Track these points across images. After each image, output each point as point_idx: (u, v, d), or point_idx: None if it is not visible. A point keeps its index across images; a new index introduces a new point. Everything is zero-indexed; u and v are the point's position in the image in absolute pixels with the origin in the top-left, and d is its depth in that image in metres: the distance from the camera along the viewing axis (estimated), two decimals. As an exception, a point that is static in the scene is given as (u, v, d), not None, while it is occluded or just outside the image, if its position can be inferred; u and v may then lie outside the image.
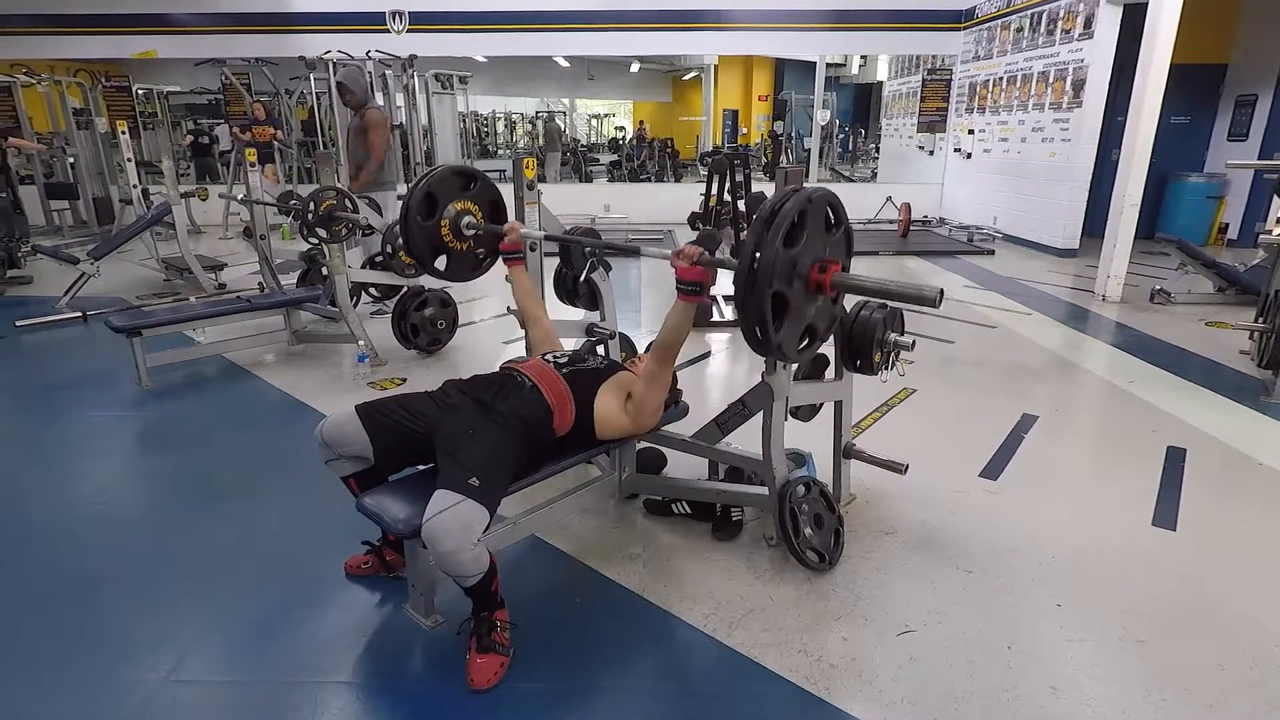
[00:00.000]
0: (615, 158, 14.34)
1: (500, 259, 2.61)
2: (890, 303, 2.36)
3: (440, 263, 2.51)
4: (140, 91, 11.20)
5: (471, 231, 2.50)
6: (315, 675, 1.83)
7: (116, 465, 3.12)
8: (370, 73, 8.97)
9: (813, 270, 1.71)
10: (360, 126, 5.29)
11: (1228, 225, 8.11)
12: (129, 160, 6.53)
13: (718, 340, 4.74)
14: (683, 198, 8.77)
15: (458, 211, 2.48)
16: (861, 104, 18.32)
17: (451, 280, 2.71)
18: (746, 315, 1.64)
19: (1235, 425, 3.33)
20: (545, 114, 17.49)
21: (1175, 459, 3.00)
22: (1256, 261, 5.47)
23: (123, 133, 7.16)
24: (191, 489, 2.83)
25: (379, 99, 9.28)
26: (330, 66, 8.66)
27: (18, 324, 4.98)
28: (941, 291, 1.59)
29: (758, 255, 1.61)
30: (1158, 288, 5.56)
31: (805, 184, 2.10)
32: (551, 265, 2.94)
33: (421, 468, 2.08)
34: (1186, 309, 5.40)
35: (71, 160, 9.26)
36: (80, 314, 5.18)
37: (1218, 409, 3.54)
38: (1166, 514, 2.57)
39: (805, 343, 1.78)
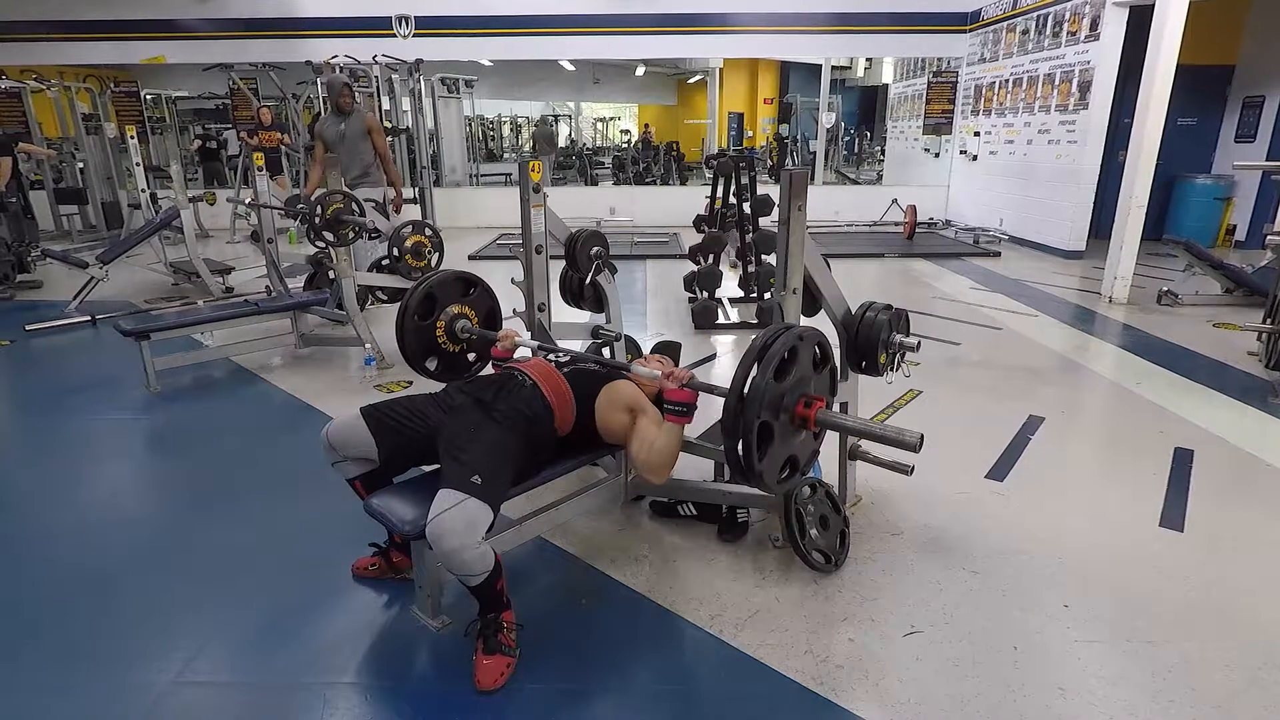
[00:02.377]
0: (619, 158, 14.36)
1: (490, 364, 2.55)
2: (896, 307, 2.36)
3: (431, 363, 2.53)
4: (148, 97, 11.27)
5: (465, 335, 2.52)
6: (323, 676, 1.84)
7: (125, 468, 3.14)
8: (377, 77, 9.02)
9: (799, 405, 1.76)
10: (362, 130, 5.40)
11: (1235, 226, 8.07)
12: (137, 165, 6.57)
13: (723, 342, 4.75)
14: (688, 201, 8.78)
15: (454, 315, 2.50)
16: (867, 106, 18.30)
17: (439, 381, 2.66)
18: (731, 441, 1.69)
19: (1243, 427, 3.32)
20: (541, 117, 17.56)
21: (1183, 460, 2.98)
22: (1264, 263, 5.46)
23: (131, 138, 7.21)
24: (199, 492, 2.85)
25: (385, 103, 9.34)
26: (336, 71, 8.70)
27: (28, 328, 5.03)
28: (922, 437, 1.63)
29: (748, 384, 1.65)
30: (1165, 289, 5.53)
31: (811, 185, 2.11)
32: (557, 267, 2.95)
33: (427, 469, 2.09)
34: (1194, 310, 5.37)
35: (81, 165, 9.33)
36: (89, 318, 5.22)
37: (1225, 410, 3.53)
38: (1174, 515, 2.57)
39: (786, 473, 1.82)
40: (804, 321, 2.16)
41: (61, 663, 1.90)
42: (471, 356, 2.62)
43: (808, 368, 1.78)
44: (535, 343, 2.50)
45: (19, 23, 9.42)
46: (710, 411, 2.75)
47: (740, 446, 1.67)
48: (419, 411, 2.04)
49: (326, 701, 1.76)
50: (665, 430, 1.98)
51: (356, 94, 5.45)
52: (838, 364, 1.96)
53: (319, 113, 10.21)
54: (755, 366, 1.68)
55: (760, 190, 5.41)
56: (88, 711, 1.74)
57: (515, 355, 2.43)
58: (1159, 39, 5.16)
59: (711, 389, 1.92)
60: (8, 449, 3.37)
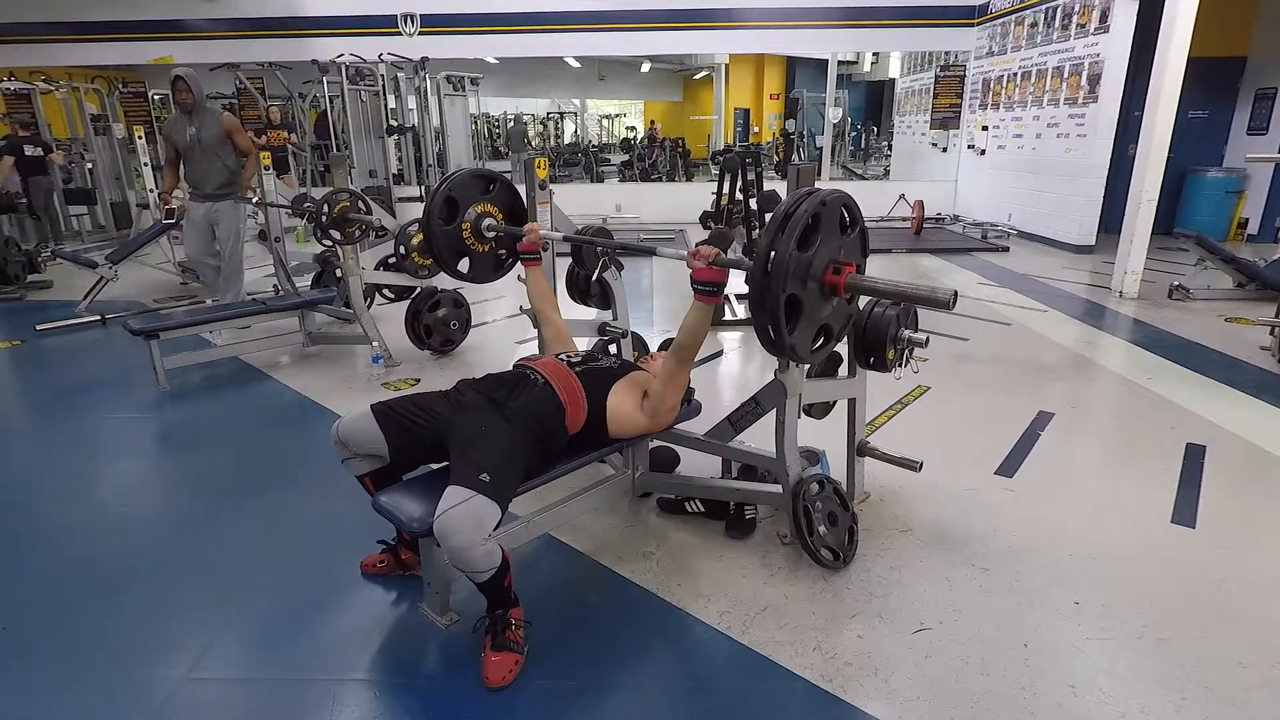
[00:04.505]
0: (626, 158, 14.36)
1: (519, 260, 2.62)
2: (905, 301, 2.35)
3: (463, 265, 2.53)
4: (156, 97, 11.30)
5: (492, 234, 2.52)
6: (332, 673, 1.85)
7: (136, 466, 3.16)
8: (383, 75, 9.03)
9: (827, 272, 1.71)
10: (219, 134, 4.69)
11: (1247, 220, 8.00)
12: (146, 165, 6.61)
13: (730, 339, 4.74)
14: (694, 197, 8.76)
15: (478, 214, 2.49)
16: (874, 101, 18.22)
17: (475, 281, 2.73)
18: (760, 317, 1.64)
19: (1256, 422, 3.29)
20: (516, 116, 17.60)
21: (1194, 456, 2.96)
22: (1277, 256, 5.40)
23: (139, 138, 7.25)
24: (209, 489, 2.86)
25: (391, 101, 9.35)
26: (343, 71, 8.72)
27: (38, 328, 5.06)
28: (955, 294, 1.58)
29: (772, 257, 1.60)
30: (1176, 284, 5.49)
31: (817, 181, 2.10)
32: (564, 265, 2.95)
33: (436, 466, 2.10)
34: (1205, 305, 5.33)
35: (90, 166, 9.38)
36: (99, 317, 5.25)
37: (1238, 405, 3.50)
38: (1186, 511, 2.55)
39: (819, 343, 1.78)
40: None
41: (73, 659, 1.91)
42: (503, 254, 2.62)
43: (834, 232, 1.72)
44: (559, 233, 2.50)
45: (28, 25, 9.48)
46: (715, 409, 2.75)
47: (770, 322, 1.62)
48: (429, 408, 2.04)
49: (335, 698, 1.76)
50: (694, 309, 1.99)
51: (197, 89, 4.57)
52: (869, 225, 1.89)
53: (324, 111, 10.26)
54: (779, 236, 1.61)
55: (766, 186, 5.39)
56: (99, 708, 1.75)
57: (541, 246, 2.48)
58: (1170, 31, 5.11)
59: (738, 264, 1.88)
60: (19, 448, 3.39)
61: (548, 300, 2.63)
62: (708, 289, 1.95)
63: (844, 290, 1.72)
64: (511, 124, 16.05)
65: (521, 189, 2.86)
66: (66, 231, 9.34)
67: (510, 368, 2.25)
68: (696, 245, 1.97)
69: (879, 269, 6.97)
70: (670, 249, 2.08)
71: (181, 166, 4.87)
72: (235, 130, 4.79)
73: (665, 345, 3.01)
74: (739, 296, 5.38)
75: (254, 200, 5.05)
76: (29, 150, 8.09)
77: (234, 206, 4.88)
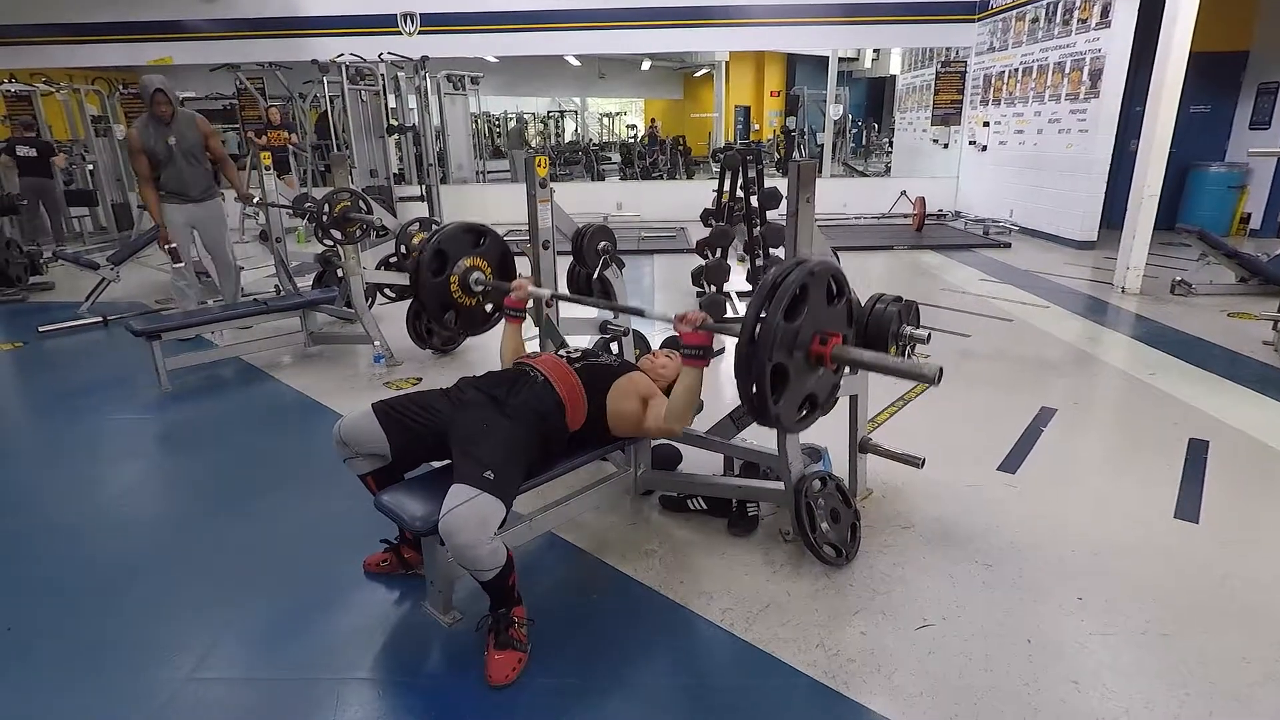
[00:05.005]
0: (626, 157, 14.37)
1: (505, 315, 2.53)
2: (906, 299, 2.35)
3: (449, 318, 2.52)
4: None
5: (480, 287, 2.51)
6: (336, 672, 1.85)
7: (138, 467, 3.16)
8: (383, 75, 9.03)
9: (814, 342, 1.71)
10: (199, 139, 4.52)
11: (1250, 215, 7.98)
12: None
13: (731, 338, 4.72)
14: (695, 195, 8.74)
15: (467, 268, 2.49)
16: (874, 98, 18.21)
17: (460, 335, 2.71)
18: (745, 384, 1.65)
19: (1259, 417, 3.28)
20: (517, 116, 17.67)
21: (1197, 451, 2.96)
22: (1279, 251, 5.39)
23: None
24: (212, 490, 2.87)
25: (391, 100, 9.35)
26: (343, 71, 8.72)
27: (41, 329, 5.07)
28: (940, 370, 1.58)
29: (759, 325, 1.61)
30: (1178, 279, 5.48)
31: (818, 178, 2.10)
32: (565, 262, 2.94)
33: (438, 465, 2.10)
34: (1208, 300, 5.32)
35: (91, 167, 9.39)
36: (101, 318, 5.26)
37: (1241, 401, 3.49)
38: (1189, 507, 2.54)
39: (804, 412, 1.79)
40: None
41: (76, 660, 1.91)
42: (489, 308, 2.61)
43: (821, 302, 1.73)
44: (548, 291, 2.49)
45: (28, 26, 9.49)
46: (718, 406, 2.74)
47: (755, 390, 1.63)
48: (430, 407, 2.04)
49: (339, 697, 1.77)
50: (683, 374, 1.98)
51: (174, 98, 4.39)
52: (853, 295, 1.89)
53: (324, 111, 10.25)
54: (765, 306, 1.62)
55: (767, 184, 5.38)
56: (102, 708, 1.76)
57: (528, 305, 2.43)
58: (1171, 25, 5.10)
59: (725, 329, 1.88)
60: (23, 449, 3.40)
61: (518, 358, 2.48)
62: (695, 353, 1.93)
63: (830, 361, 1.72)
64: (512, 123, 16.11)
65: (522, 188, 2.86)
66: (68, 233, 9.36)
67: (510, 366, 2.25)
68: (689, 311, 1.95)
69: (880, 266, 6.97)
70: (658, 312, 2.07)
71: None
72: (211, 134, 4.67)
73: (666, 343, 3.00)
74: (740, 294, 5.37)
75: (254, 200, 5.05)
76: (21, 151, 8.06)
77: (219, 205, 4.82)
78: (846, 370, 2.46)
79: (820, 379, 1.78)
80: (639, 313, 2.36)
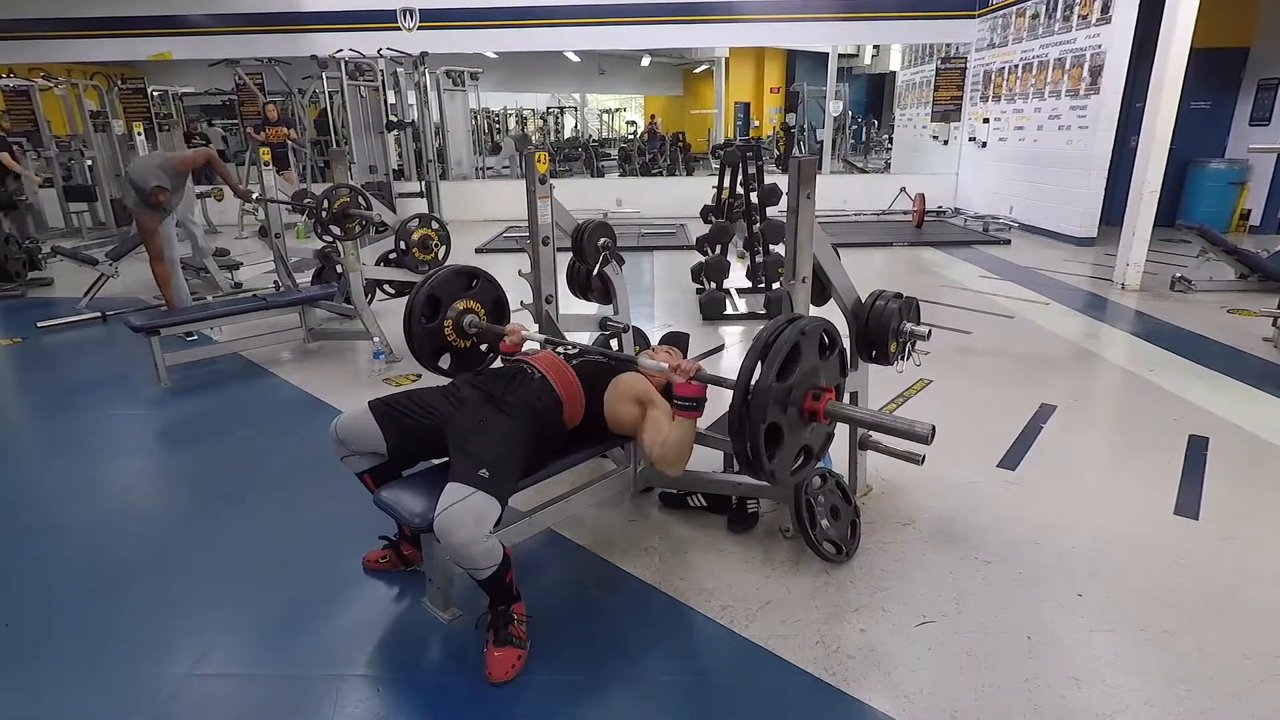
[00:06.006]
0: (624, 153, 14.34)
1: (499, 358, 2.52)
2: (906, 295, 2.34)
3: (444, 361, 2.52)
4: (155, 93, 11.27)
5: (474, 330, 2.51)
6: (335, 669, 1.85)
7: (138, 463, 3.16)
8: (382, 71, 9.01)
9: (806, 399, 1.73)
10: (184, 173, 4.66)
11: (1250, 211, 7.98)
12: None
13: (731, 334, 4.73)
14: (695, 191, 8.75)
15: (460, 311, 2.49)
16: (874, 94, 18.16)
17: (453, 377, 2.67)
18: (740, 443, 1.66)
19: (1259, 413, 3.28)
20: (521, 119, 17.67)
21: (1197, 448, 2.95)
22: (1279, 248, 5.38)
23: (139, 134, 7.24)
24: (211, 486, 2.87)
25: (390, 96, 9.33)
26: (342, 66, 8.70)
27: (39, 325, 5.06)
28: (933, 428, 1.59)
29: (752, 386, 1.62)
30: (1178, 275, 5.48)
31: (818, 174, 2.09)
32: (564, 259, 2.94)
33: (436, 462, 2.10)
34: (1208, 296, 5.32)
35: (89, 163, 9.36)
36: (100, 314, 5.25)
37: (1240, 397, 3.49)
38: (1189, 503, 2.54)
39: (799, 463, 1.80)
40: (813, 311, 2.15)
41: (76, 656, 1.91)
42: (484, 348, 2.61)
43: (814, 358, 1.75)
44: (542, 336, 2.49)
45: (26, 21, 9.46)
46: (719, 403, 2.74)
47: (750, 450, 1.65)
48: (427, 405, 2.03)
49: (338, 694, 1.76)
50: (676, 425, 1.95)
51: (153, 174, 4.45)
52: (847, 348, 1.91)
53: (324, 107, 10.23)
54: (759, 367, 1.65)
55: (767, 180, 5.37)
56: (104, 703, 1.76)
57: (524, 349, 2.41)
58: (1172, 21, 5.09)
59: (720, 381, 1.90)
60: (22, 445, 3.39)
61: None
62: (688, 404, 1.90)
63: (822, 417, 1.74)
64: (513, 126, 16.05)
65: (521, 184, 2.86)
66: (66, 228, 9.34)
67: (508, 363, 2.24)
68: (676, 362, 1.94)
69: (880, 262, 6.96)
70: (650, 362, 2.05)
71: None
72: (180, 161, 4.73)
73: (666, 340, 3.00)
74: (740, 291, 5.37)
75: (254, 196, 5.04)
76: None
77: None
78: (854, 369, 2.47)
79: (814, 432, 1.80)
80: (631, 362, 2.21)
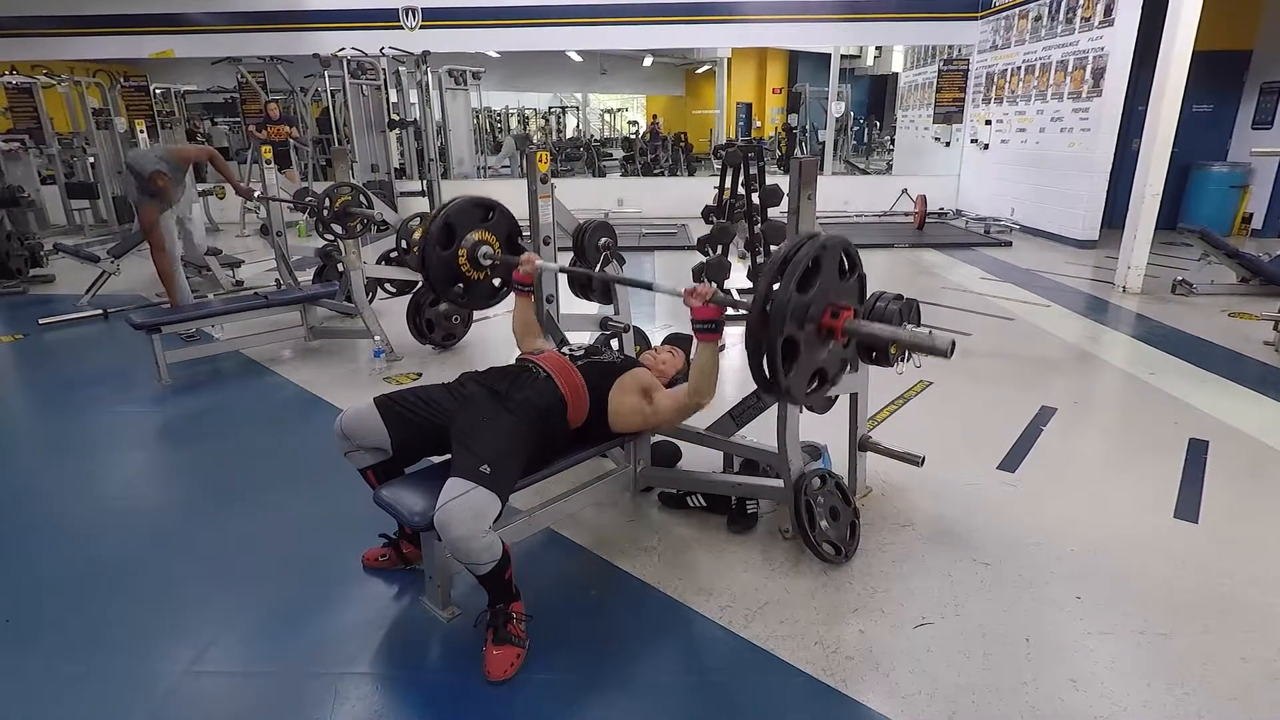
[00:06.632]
0: (627, 154, 14.34)
1: (512, 290, 2.57)
2: (907, 297, 2.34)
3: (457, 291, 2.52)
4: (158, 91, 11.28)
5: (488, 261, 2.51)
6: (334, 666, 1.85)
7: (139, 460, 3.16)
8: (384, 70, 9.01)
9: (825, 315, 1.71)
10: (183, 167, 4.70)
11: (1252, 215, 7.97)
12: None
13: (732, 334, 4.72)
14: (696, 191, 8.73)
15: (475, 241, 2.49)
16: (876, 96, 18.16)
17: (469, 309, 2.73)
18: (756, 357, 1.64)
19: (1259, 417, 3.28)
20: (521, 119, 17.72)
21: (1197, 451, 2.95)
22: (1281, 251, 5.38)
23: (141, 132, 7.24)
24: (211, 483, 2.87)
25: (393, 95, 9.33)
26: (344, 65, 8.70)
27: (41, 322, 5.06)
28: (954, 343, 1.58)
29: (770, 298, 1.61)
30: (1179, 279, 5.47)
31: (820, 175, 2.09)
32: (565, 259, 2.94)
33: (438, 460, 2.10)
34: (1209, 300, 5.31)
35: (91, 160, 9.37)
36: (101, 311, 5.25)
37: (1241, 401, 3.49)
38: (1189, 506, 2.54)
39: (814, 385, 1.78)
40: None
41: (76, 652, 1.91)
42: (497, 282, 2.62)
43: (833, 276, 1.72)
44: (556, 265, 2.49)
45: (30, 18, 9.46)
46: (717, 404, 2.74)
47: (766, 363, 1.63)
48: (432, 401, 2.04)
49: (337, 691, 1.77)
50: (700, 350, 1.99)
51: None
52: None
53: (326, 106, 10.23)
54: (778, 279, 1.62)
55: (769, 180, 5.37)
56: (102, 699, 1.76)
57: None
58: (1175, 24, 5.08)
59: (736, 303, 1.88)
60: (23, 442, 3.40)
61: (530, 331, 2.55)
62: (708, 327, 1.94)
63: (841, 335, 1.72)
64: (515, 128, 16.08)
65: (523, 183, 2.86)
66: (68, 226, 9.34)
67: (513, 361, 2.25)
68: (694, 283, 1.95)
69: (882, 264, 6.96)
70: (666, 284, 2.07)
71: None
72: (181, 154, 4.82)
73: (668, 340, 3.00)
74: (741, 292, 5.36)
75: (255, 194, 5.05)
76: None
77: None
78: (854, 370, 2.47)
79: (831, 352, 1.77)
80: (648, 286, 2.36)
